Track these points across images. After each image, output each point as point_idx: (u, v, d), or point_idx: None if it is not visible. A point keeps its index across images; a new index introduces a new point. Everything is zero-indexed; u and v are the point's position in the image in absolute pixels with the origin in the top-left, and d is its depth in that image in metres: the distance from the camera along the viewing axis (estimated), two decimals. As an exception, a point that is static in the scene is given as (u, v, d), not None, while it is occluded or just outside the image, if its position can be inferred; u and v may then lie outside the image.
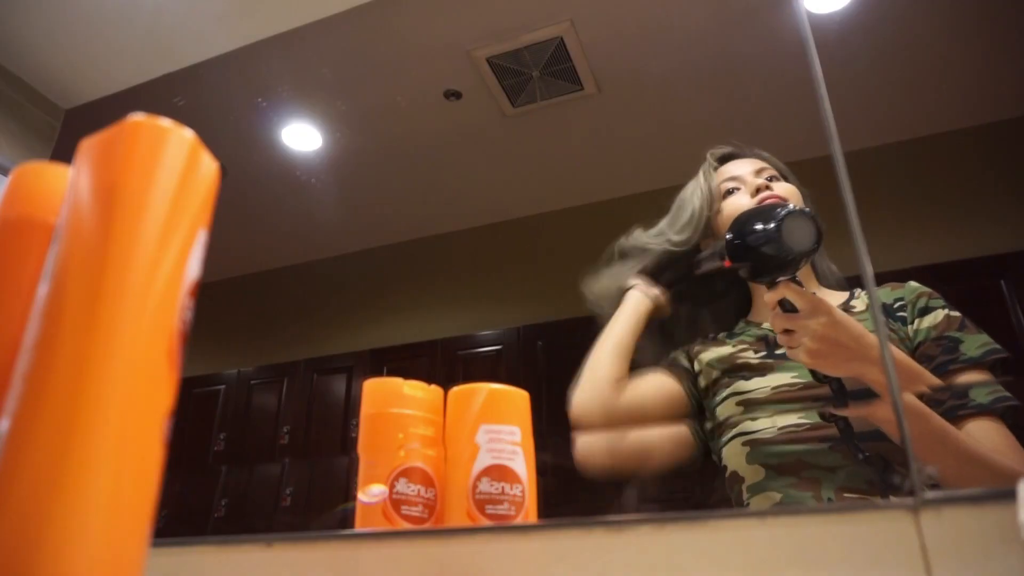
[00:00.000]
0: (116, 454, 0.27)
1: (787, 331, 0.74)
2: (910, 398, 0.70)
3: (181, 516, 2.71)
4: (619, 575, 0.43)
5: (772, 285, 0.74)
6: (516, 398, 0.60)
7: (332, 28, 1.75)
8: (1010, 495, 0.35)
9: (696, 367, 0.96)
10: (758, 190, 0.95)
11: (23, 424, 0.27)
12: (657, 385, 0.96)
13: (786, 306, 0.74)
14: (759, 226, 0.74)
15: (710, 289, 1.02)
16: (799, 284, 0.74)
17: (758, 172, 0.98)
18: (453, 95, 2.36)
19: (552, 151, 2.66)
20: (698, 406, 0.95)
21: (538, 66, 2.24)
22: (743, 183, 0.98)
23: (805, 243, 0.71)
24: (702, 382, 0.94)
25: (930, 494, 0.39)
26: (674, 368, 0.98)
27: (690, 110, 2.36)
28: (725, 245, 0.78)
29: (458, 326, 2.94)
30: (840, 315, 0.72)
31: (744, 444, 0.84)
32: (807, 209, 0.74)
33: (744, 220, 0.79)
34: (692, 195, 1.01)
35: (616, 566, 0.43)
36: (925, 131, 2.33)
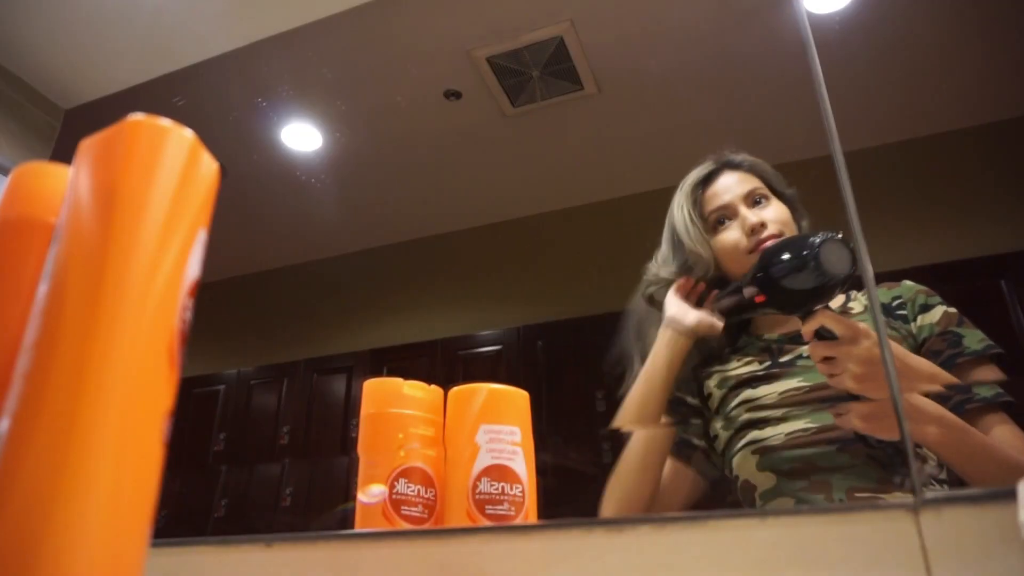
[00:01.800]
0: (116, 454, 0.27)
1: (827, 359, 0.72)
2: (951, 417, 0.70)
3: (181, 516, 2.71)
4: (619, 575, 0.43)
5: (807, 315, 0.73)
6: (516, 398, 0.60)
7: (332, 28, 1.75)
8: (1010, 495, 0.35)
9: (705, 391, 0.95)
10: (753, 230, 0.91)
11: (23, 424, 0.27)
12: (678, 489, 0.95)
13: (823, 334, 0.72)
14: (794, 260, 0.73)
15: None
16: (831, 310, 0.73)
17: (747, 196, 0.94)
18: (453, 95, 2.36)
19: (552, 151, 2.66)
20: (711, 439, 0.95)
21: (538, 66, 2.24)
22: (734, 213, 0.94)
23: (843, 267, 0.71)
24: (713, 404, 0.94)
25: (930, 494, 0.39)
26: (685, 433, 0.96)
27: (690, 110, 2.36)
28: (756, 281, 0.77)
29: (458, 326, 2.94)
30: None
31: (753, 453, 0.84)
32: (839, 235, 0.73)
33: (774, 252, 0.77)
34: (682, 230, 0.97)
35: (616, 566, 0.43)
36: (925, 131, 2.32)
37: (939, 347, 0.79)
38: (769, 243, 0.89)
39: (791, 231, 0.92)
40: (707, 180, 0.98)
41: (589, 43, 2.14)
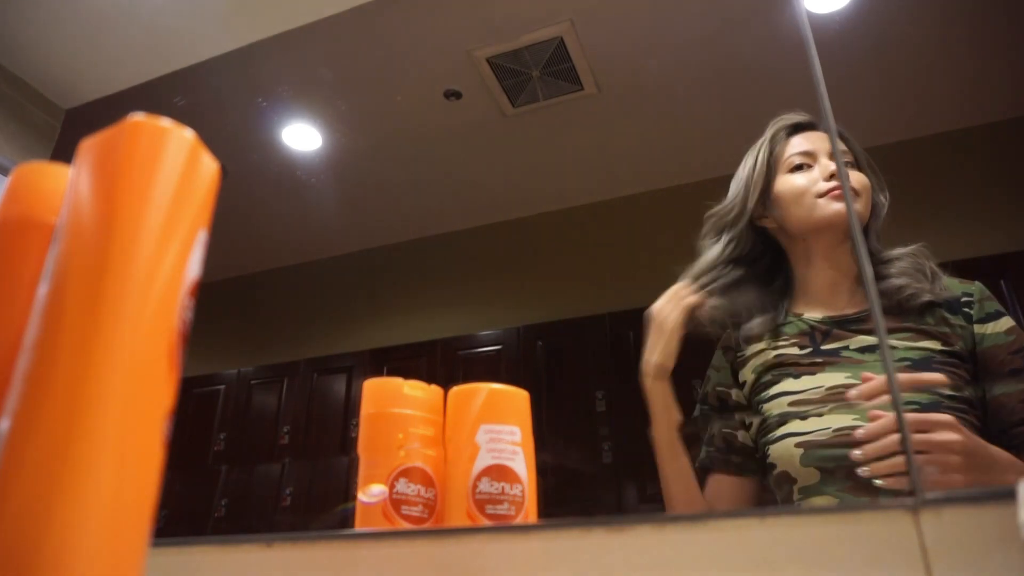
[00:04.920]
0: (116, 454, 0.27)
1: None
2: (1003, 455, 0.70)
3: (181, 516, 2.71)
4: (619, 575, 0.43)
5: None
6: (516, 398, 0.60)
7: (332, 28, 1.75)
8: (1010, 495, 0.35)
9: (741, 379, 0.94)
10: (832, 176, 0.90)
11: (23, 424, 0.27)
12: (735, 497, 0.92)
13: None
14: None
15: (754, 274, 0.97)
16: None
17: (832, 153, 0.92)
18: (453, 95, 2.36)
19: (552, 151, 2.66)
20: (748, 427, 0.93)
21: (538, 66, 2.24)
22: (814, 161, 0.93)
23: None
24: (747, 388, 0.92)
25: (930, 494, 0.39)
26: (725, 422, 0.94)
27: (690, 110, 2.36)
28: None
29: (458, 326, 2.94)
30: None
31: (797, 446, 0.82)
32: None
33: None
34: (747, 162, 0.97)
35: (616, 566, 0.43)
36: (925, 131, 2.33)
37: (1019, 364, 0.79)
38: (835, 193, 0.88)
39: (867, 199, 0.91)
40: (796, 129, 0.97)
41: (589, 43, 2.14)
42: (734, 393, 0.94)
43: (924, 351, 0.81)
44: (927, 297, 0.84)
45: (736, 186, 0.98)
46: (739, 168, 0.99)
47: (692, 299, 0.92)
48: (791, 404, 0.85)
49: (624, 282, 2.58)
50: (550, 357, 2.69)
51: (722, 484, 0.92)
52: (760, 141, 0.98)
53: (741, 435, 0.92)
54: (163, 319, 0.30)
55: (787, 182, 0.93)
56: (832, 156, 0.93)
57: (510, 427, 0.58)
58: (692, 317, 0.92)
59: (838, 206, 0.89)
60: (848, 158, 0.93)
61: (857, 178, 0.91)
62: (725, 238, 0.97)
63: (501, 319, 2.89)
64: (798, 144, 0.95)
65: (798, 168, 0.93)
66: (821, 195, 0.90)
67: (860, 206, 0.89)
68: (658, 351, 0.91)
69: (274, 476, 2.89)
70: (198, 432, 3.06)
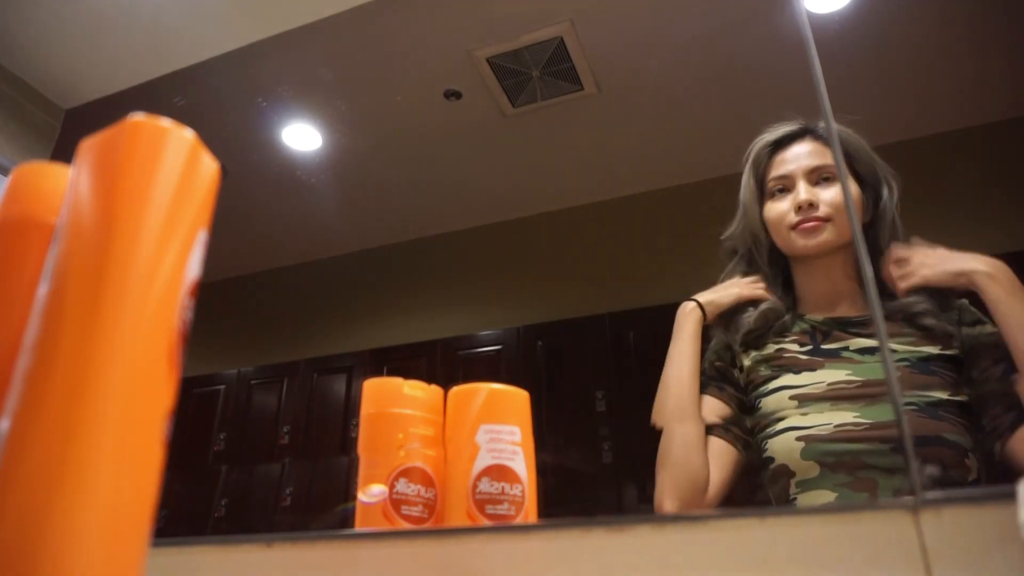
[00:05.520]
0: (116, 454, 0.27)
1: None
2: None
3: (181, 516, 2.71)
4: (619, 575, 0.43)
5: None
6: (516, 398, 0.60)
7: (332, 28, 1.75)
8: (1010, 495, 0.35)
9: (738, 361, 0.94)
10: (799, 208, 0.88)
11: (23, 424, 0.27)
12: (723, 463, 0.90)
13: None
14: None
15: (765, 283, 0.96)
16: None
17: (812, 171, 0.90)
18: (453, 95, 2.36)
19: (552, 151, 2.66)
20: (742, 408, 0.92)
21: (538, 66, 2.24)
22: (792, 185, 0.91)
23: None
24: (745, 380, 0.92)
25: (930, 494, 0.39)
26: (723, 394, 0.92)
27: (690, 110, 2.36)
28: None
29: (458, 326, 2.94)
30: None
31: (798, 439, 0.82)
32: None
33: None
34: (742, 187, 0.97)
35: (616, 566, 0.43)
36: (925, 131, 2.32)
37: (1000, 356, 0.79)
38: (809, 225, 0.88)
39: (855, 214, 0.88)
40: (781, 143, 0.95)
41: (589, 43, 2.14)
42: (734, 372, 0.94)
43: (924, 354, 0.82)
44: (931, 320, 0.85)
45: (741, 211, 0.98)
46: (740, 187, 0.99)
47: (758, 291, 0.95)
48: (792, 398, 0.85)
49: (624, 282, 2.58)
50: (550, 357, 2.69)
51: (715, 447, 0.90)
52: (745, 165, 0.98)
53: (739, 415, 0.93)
54: (163, 319, 0.30)
55: (769, 210, 0.93)
56: (809, 174, 0.91)
57: (510, 427, 0.58)
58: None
59: (806, 241, 0.89)
60: (830, 171, 0.90)
61: (835, 196, 0.89)
62: (771, 270, 0.96)
63: (501, 319, 2.89)
64: (777, 166, 0.94)
65: (780, 191, 0.93)
66: (792, 228, 0.90)
67: (829, 235, 0.88)
68: (714, 294, 0.94)
69: (274, 476, 2.89)
70: (198, 432, 3.06)
